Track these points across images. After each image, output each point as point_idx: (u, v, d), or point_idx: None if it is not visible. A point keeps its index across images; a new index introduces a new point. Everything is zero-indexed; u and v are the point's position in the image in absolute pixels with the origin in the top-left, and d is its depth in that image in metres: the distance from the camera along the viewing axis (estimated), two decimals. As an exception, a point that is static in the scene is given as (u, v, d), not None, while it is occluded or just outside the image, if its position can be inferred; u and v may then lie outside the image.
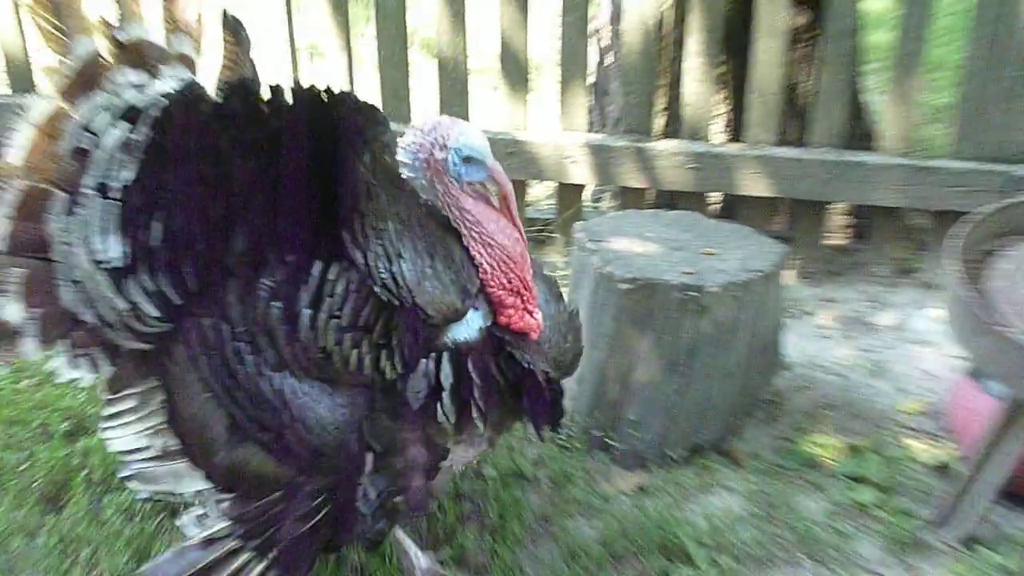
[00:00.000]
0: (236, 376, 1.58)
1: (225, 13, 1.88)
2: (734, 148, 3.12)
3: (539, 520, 2.24)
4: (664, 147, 3.10)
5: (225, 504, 1.70)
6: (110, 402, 1.77)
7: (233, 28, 1.89)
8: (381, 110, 1.66)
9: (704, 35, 3.00)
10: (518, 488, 2.30)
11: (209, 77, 1.79)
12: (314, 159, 1.59)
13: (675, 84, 3.24)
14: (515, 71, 3.18)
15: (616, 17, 3.36)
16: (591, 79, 3.53)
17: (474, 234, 1.59)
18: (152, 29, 1.72)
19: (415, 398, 1.57)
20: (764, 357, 2.43)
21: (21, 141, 1.56)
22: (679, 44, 3.13)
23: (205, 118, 1.58)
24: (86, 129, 1.57)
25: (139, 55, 1.68)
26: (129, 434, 1.74)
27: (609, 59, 3.49)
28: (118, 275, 1.57)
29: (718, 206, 3.31)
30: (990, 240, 2.36)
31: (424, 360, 1.57)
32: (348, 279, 1.53)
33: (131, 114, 1.58)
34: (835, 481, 2.34)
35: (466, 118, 3.21)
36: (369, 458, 1.61)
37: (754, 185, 3.07)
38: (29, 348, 1.63)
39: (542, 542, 2.18)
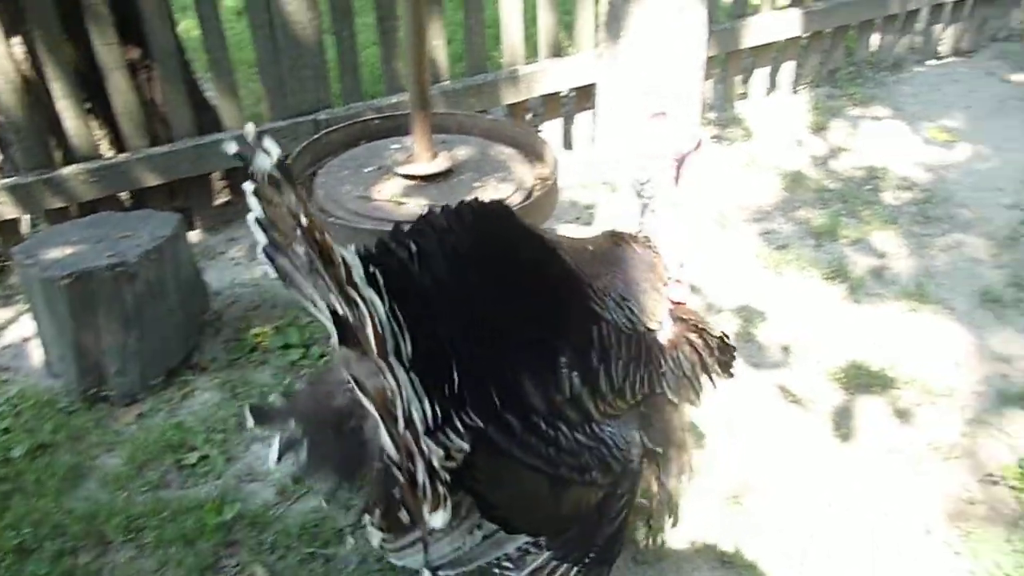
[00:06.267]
0: (554, 444, 1.66)
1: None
2: (123, 156, 3.61)
3: (71, 469, 2.60)
4: (69, 171, 3.48)
5: (542, 540, 1.80)
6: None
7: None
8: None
9: (62, 83, 3.40)
10: (46, 456, 2.67)
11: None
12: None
13: (59, 123, 3.51)
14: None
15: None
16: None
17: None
18: None
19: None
20: (195, 293, 3.16)
21: None
22: (49, 94, 3.45)
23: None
24: None
25: None
26: (445, 544, 1.75)
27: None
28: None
29: (131, 200, 3.74)
30: (311, 164, 3.08)
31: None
32: (609, 331, 1.75)
33: None
34: (273, 354, 3.07)
35: None
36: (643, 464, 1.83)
37: (147, 178, 3.58)
38: None
39: (83, 482, 2.58)
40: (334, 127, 3.29)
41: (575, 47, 4.46)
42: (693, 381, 1.91)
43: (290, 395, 1.57)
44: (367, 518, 1.67)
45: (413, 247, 1.60)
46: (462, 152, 3.14)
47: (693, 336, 1.95)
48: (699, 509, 2.46)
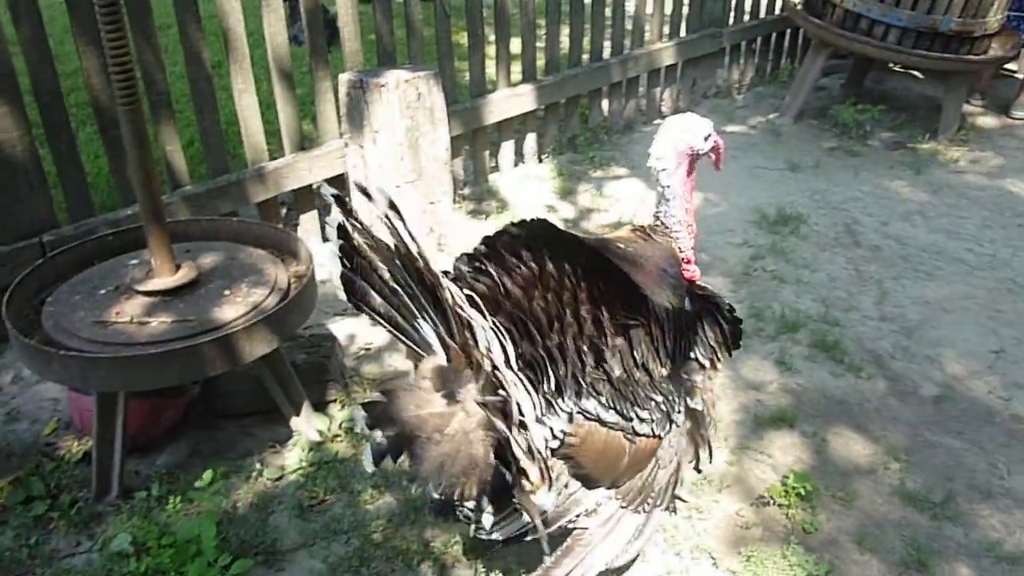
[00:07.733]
0: (629, 401, 1.91)
1: None
2: None
3: None
4: None
5: (612, 492, 2.04)
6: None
7: None
8: None
9: None
10: None
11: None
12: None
13: None
14: None
15: None
16: None
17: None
18: None
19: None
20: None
21: None
22: None
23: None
24: None
25: None
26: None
27: None
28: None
29: None
30: (36, 293, 2.85)
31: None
32: (656, 308, 1.99)
33: None
34: (12, 512, 2.68)
35: None
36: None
37: None
38: None
39: None
40: (62, 248, 3.05)
41: (321, 138, 4.43)
42: (716, 349, 2.15)
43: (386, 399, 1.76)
44: (469, 507, 1.89)
45: (487, 264, 1.91)
46: (208, 259, 2.98)
47: (712, 308, 2.20)
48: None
